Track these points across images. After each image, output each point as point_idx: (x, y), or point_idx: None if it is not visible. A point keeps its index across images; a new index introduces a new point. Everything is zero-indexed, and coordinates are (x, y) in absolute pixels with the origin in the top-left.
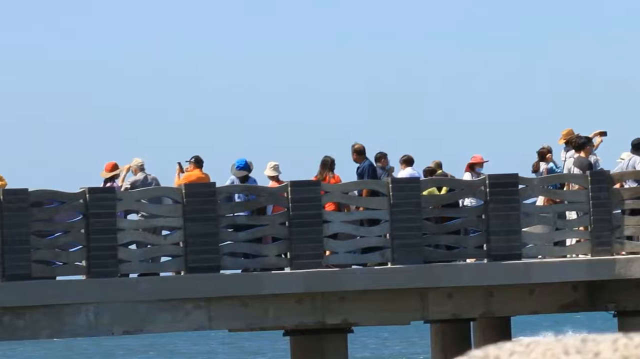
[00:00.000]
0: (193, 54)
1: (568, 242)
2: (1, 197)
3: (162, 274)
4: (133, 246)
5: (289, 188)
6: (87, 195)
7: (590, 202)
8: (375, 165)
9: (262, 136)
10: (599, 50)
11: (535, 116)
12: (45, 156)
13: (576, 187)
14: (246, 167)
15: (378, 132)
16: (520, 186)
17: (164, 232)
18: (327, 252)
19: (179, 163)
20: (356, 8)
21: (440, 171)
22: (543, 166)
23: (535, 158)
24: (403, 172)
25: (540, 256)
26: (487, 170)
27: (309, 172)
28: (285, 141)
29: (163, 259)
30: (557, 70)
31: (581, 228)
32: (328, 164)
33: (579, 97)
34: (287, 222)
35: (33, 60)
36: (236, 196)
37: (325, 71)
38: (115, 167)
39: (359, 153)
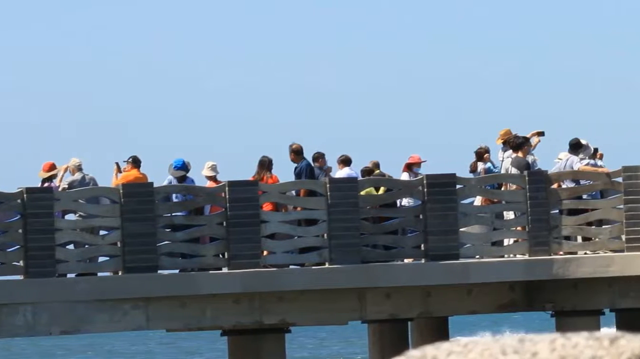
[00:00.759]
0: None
1: (506, 242)
2: None
3: (99, 274)
4: (71, 246)
5: (227, 188)
6: (25, 195)
7: (528, 202)
8: (312, 165)
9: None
10: (529, 51)
11: (472, 114)
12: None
13: (514, 187)
14: (184, 167)
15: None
16: (458, 186)
17: (102, 232)
18: (265, 252)
19: (117, 163)
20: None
21: (377, 171)
22: (481, 166)
23: (473, 158)
24: (341, 172)
25: (478, 256)
26: (424, 170)
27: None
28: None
29: (101, 259)
30: (498, 72)
31: (519, 228)
32: (266, 164)
33: (516, 98)
34: (224, 222)
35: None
36: (174, 196)
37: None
38: (52, 167)
39: (297, 153)
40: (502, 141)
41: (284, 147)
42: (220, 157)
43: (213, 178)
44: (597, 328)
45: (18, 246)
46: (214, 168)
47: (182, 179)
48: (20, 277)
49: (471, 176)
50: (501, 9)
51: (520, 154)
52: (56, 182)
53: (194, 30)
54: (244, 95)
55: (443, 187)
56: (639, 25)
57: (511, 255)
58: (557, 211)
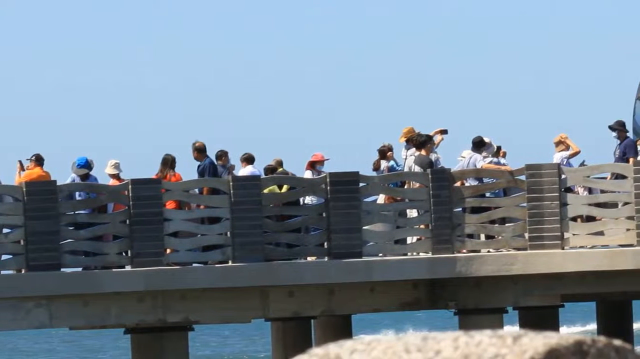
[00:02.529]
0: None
1: (409, 240)
2: None
3: (2, 272)
4: None
5: (130, 186)
6: None
7: (431, 200)
8: (216, 163)
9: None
10: (432, 49)
11: (375, 113)
12: None
13: (417, 185)
14: (87, 165)
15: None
16: (361, 184)
17: (5, 231)
18: (168, 251)
19: (20, 161)
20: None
21: (281, 169)
22: (384, 164)
23: (376, 156)
24: (244, 171)
25: (381, 254)
26: (328, 168)
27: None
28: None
29: (4, 257)
30: (401, 70)
31: (422, 226)
32: (169, 162)
33: (419, 96)
34: (127, 221)
35: None
36: (77, 194)
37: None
38: None
39: (200, 151)
40: (405, 139)
41: (187, 146)
42: (123, 156)
43: (116, 176)
44: (501, 326)
45: None
46: (116, 166)
47: (85, 177)
48: None
49: (374, 174)
50: (398, 5)
51: (423, 152)
52: None
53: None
54: (147, 94)
55: (346, 185)
56: (539, 28)
57: (414, 253)
58: (460, 209)
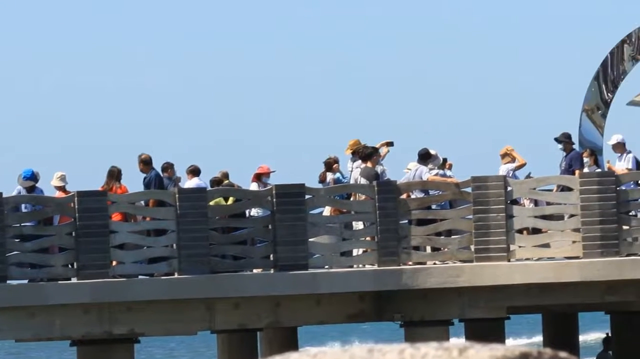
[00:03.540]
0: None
1: (355, 252)
2: None
3: None
4: None
5: (76, 198)
6: None
7: (377, 212)
8: (162, 175)
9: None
10: (379, 60)
11: (321, 125)
12: None
13: (363, 197)
14: (32, 177)
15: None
16: (307, 196)
17: None
18: (114, 263)
19: None
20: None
21: (227, 181)
22: (330, 176)
23: (322, 168)
24: (190, 183)
25: (327, 266)
26: (274, 180)
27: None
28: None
29: None
30: (349, 81)
31: (368, 238)
32: (115, 174)
33: (364, 108)
34: (73, 233)
35: None
36: (23, 206)
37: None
38: None
39: (146, 163)
40: (351, 151)
41: (133, 158)
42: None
43: (62, 188)
44: (446, 338)
45: None
46: (63, 178)
47: (31, 189)
48: None
49: (320, 186)
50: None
51: (369, 164)
52: None
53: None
54: (93, 103)
55: (292, 197)
56: (485, 40)
57: (360, 265)
58: (406, 221)
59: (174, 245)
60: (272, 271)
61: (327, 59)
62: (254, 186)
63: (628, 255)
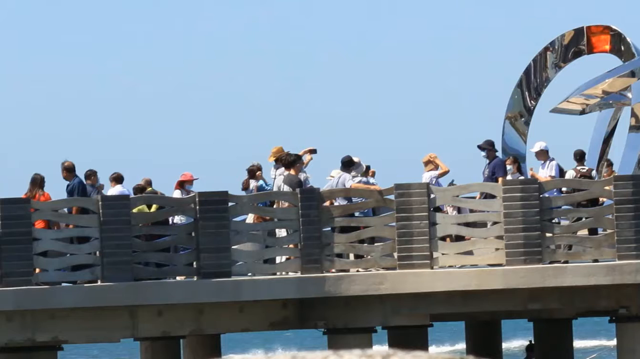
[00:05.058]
0: None
1: (278, 259)
2: None
3: None
4: None
5: None
6: None
7: (300, 219)
8: (85, 182)
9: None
10: (298, 68)
11: (244, 132)
12: None
13: (286, 204)
14: None
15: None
16: (230, 204)
17: None
18: (37, 270)
19: None
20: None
21: (150, 188)
22: (253, 183)
23: (245, 176)
24: (113, 190)
25: (250, 274)
26: (197, 187)
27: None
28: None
29: None
30: (270, 89)
31: (291, 246)
32: (38, 182)
33: (287, 115)
34: None
35: None
36: None
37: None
38: None
39: (69, 171)
40: (274, 158)
41: (56, 165)
42: None
43: None
44: (369, 345)
45: None
46: None
47: None
48: None
49: (243, 193)
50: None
51: (292, 172)
52: None
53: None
54: (15, 111)
55: (215, 204)
56: (405, 46)
57: (283, 273)
58: (330, 228)
59: (97, 252)
60: (195, 278)
61: (252, 66)
62: (177, 194)
63: (551, 262)
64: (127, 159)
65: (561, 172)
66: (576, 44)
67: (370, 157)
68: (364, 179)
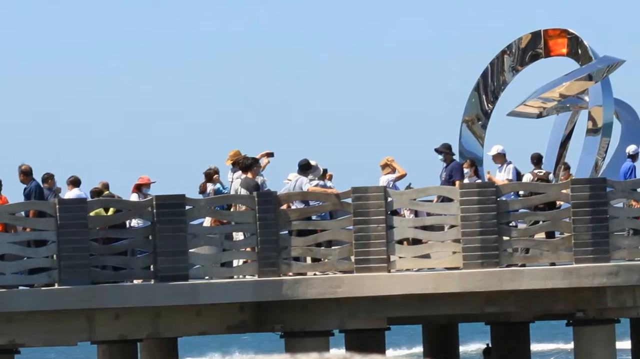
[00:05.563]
0: None
1: (235, 263)
2: None
3: None
4: None
5: None
6: None
7: (257, 223)
8: (42, 186)
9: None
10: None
11: (201, 135)
12: None
13: (243, 208)
14: None
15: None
16: (187, 207)
17: None
18: None
19: None
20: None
21: (107, 191)
22: (210, 186)
23: (202, 179)
24: (70, 194)
25: (207, 277)
26: (154, 191)
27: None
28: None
29: None
30: (220, 92)
31: (248, 249)
32: None
33: (244, 118)
34: None
35: None
36: None
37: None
38: None
39: (26, 174)
40: (232, 161)
41: (13, 168)
42: None
43: None
44: (327, 348)
45: None
46: None
47: None
48: None
49: (200, 197)
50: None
51: (249, 175)
52: None
53: None
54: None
55: (172, 208)
56: (366, 50)
57: (240, 276)
58: (287, 231)
59: (55, 256)
60: (152, 281)
61: (206, 71)
62: (134, 197)
63: (508, 266)
64: (84, 163)
65: (518, 175)
66: (533, 48)
67: (328, 161)
68: (321, 182)
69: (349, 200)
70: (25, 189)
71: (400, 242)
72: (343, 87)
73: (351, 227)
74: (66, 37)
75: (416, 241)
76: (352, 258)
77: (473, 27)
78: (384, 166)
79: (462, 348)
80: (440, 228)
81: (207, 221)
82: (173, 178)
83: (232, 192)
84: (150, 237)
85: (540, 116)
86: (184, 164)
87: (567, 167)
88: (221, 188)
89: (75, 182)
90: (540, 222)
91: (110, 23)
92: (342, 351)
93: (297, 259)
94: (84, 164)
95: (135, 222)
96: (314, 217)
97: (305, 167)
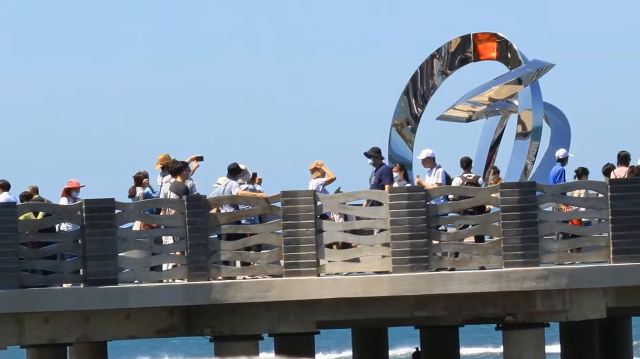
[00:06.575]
0: None
1: (165, 267)
2: None
3: None
4: None
5: None
6: None
7: (187, 227)
8: None
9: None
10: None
11: (131, 139)
12: None
13: (172, 212)
14: None
15: None
16: (117, 211)
17: None
18: None
19: None
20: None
21: (36, 195)
22: (139, 190)
23: (132, 183)
24: None
25: (137, 281)
26: (83, 195)
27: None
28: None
29: None
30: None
31: (178, 253)
32: None
33: (174, 122)
34: None
35: None
36: None
37: None
38: None
39: None
40: (161, 165)
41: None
42: None
43: None
44: (256, 352)
45: None
46: None
47: None
48: None
49: (130, 200)
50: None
51: (179, 179)
52: None
53: None
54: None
55: (102, 212)
56: (296, 52)
57: (170, 280)
58: (216, 235)
59: None
60: (82, 285)
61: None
62: (63, 201)
63: (437, 270)
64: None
65: (448, 179)
66: (463, 52)
67: (257, 165)
68: (251, 186)
69: (279, 204)
70: None
71: (330, 246)
72: (272, 89)
73: (281, 231)
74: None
75: (346, 245)
76: (282, 262)
77: (405, 30)
78: (314, 170)
79: (391, 352)
80: (369, 232)
81: (136, 225)
82: (102, 182)
83: (162, 196)
84: (79, 241)
85: (469, 119)
86: (113, 168)
87: (497, 171)
88: (151, 192)
89: (4, 186)
90: (470, 226)
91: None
92: (271, 355)
93: (226, 263)
94: (13, 167)
95: (64, 226)
96: (243, 221)
97: (234, 171)
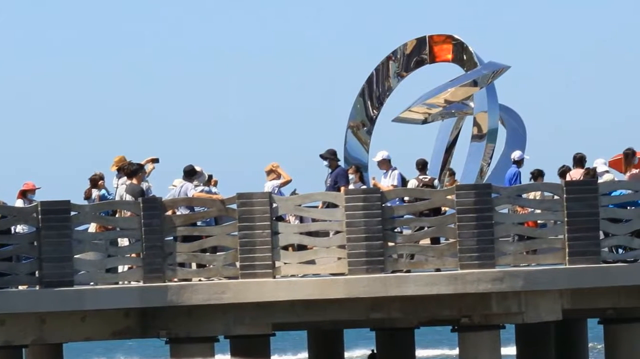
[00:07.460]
0: None
1: (120, 269)
2: None
3: None
4: None
5: None
6: None
7: (143, 229)
8: None
9: None
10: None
11: (86, 141)
12: None
13: (128, 214)
14: None
15: None
16: (73, 213)
17: None
18: None
19: None
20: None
21: None
22: (95, 192)
23: (88, 185)
24: None
25: (92, 283)
26: (39, 197)
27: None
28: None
29: None
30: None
31: (133, 255)
32: None
33: (129, 124)
34: None
35: None
36: None
37: None
38: None
39: None
40: (117, 167)
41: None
42: None
43: None
44: (212, 354)
45: None
46: None
47: None
48: None
49: (86, 202)
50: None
51: (134, 181)
52: None
53: None
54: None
55: (57, 214)
56: (247, 54)
57: (126, 282)
58: (172, 237)
59: None
60: (37, 287)
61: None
62: (19, 203)
63: (393, 272)
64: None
65: (403, 181)
66: (418, 53)
67: (213, 167)
68: (207, 188)
69: (234, 206)
70: None
71: (286, 248)
72: (227, 92)
73: (236, 233)
74: None
75: (301, 247)
76: (237, 264)
77: (361, 32)
78: (269, 172)
79: (347, 354)
80: (325, 234)
81: (92, 227)
82: (58, 184)
83: (117, 198)
84: (35, 243)
85: (425, 121)
86: (69, 170)
87: (452, 173)
88: (106, 194)
89: None
90: (426, 228)
91: None
92: (227, 357)
93: (182, 265)
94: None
95: (20, 228)
96: (199, 223)
97: (190, 173)
